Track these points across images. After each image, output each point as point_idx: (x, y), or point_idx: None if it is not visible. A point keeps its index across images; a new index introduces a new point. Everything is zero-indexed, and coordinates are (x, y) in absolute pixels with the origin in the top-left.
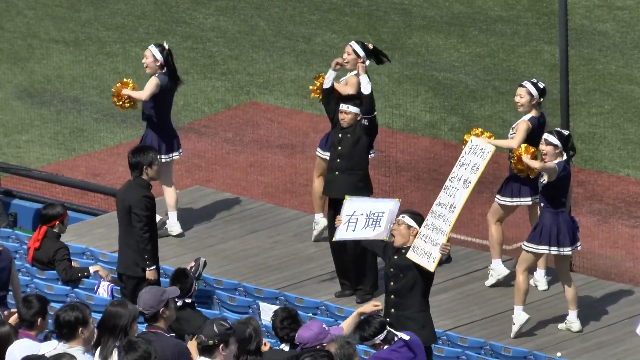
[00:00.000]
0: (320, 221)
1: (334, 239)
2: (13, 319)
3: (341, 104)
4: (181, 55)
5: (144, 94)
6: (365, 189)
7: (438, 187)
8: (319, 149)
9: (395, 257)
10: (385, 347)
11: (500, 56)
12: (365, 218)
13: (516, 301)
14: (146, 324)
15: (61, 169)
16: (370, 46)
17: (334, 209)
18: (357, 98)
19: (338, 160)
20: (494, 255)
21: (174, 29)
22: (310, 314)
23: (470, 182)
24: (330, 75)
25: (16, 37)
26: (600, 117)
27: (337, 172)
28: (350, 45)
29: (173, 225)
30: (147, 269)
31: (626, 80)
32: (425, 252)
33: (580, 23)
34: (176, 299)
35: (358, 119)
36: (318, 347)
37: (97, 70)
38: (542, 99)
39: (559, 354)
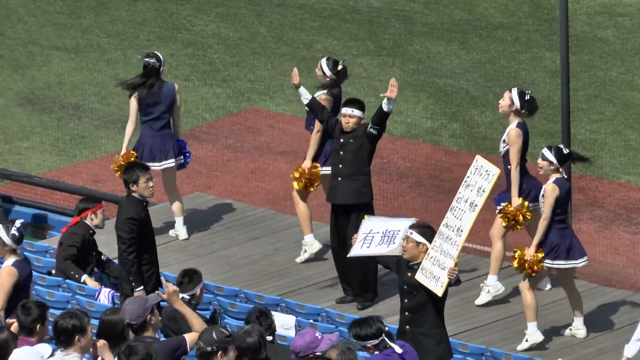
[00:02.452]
0: (314, 243)
1: (348, 256)
2: (14, 327)
3: (344, 108)
4: (182, 62)
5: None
6: (367, 194)
7: (439, 193)
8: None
9: (409, 274)
10: (377, 352)
11: (501, 63)
12: (381, 236)
13: (528, 318)
14: (134, 337)
15: (62, 175)
16: (340, 67)
17: (335, 215)
18: (360, 102)
19: (340, 165)
20: (493, 270)
21: (174, 36)
22: (311, 321)
23: (476, 205)
24: (302, 91)
25: (17, 44)
26: (601, 124)
27: (339, 178)
28: (320, 63)
29: (179, 230)
30: (134, 290)
31: (627, 87)
32: (433, 275)
33: (581, 29)
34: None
35: (361, 122)
36: (312, 355)
37: (98, 77)
38: (524, 111)
39: None
